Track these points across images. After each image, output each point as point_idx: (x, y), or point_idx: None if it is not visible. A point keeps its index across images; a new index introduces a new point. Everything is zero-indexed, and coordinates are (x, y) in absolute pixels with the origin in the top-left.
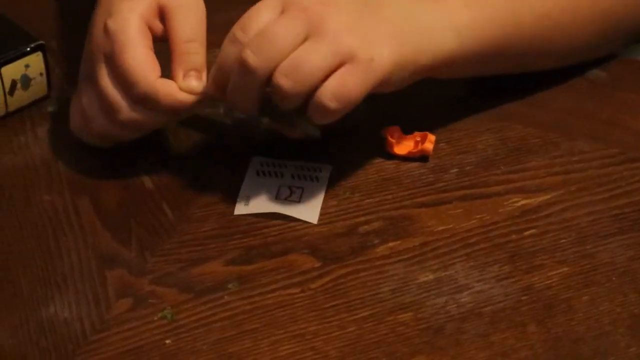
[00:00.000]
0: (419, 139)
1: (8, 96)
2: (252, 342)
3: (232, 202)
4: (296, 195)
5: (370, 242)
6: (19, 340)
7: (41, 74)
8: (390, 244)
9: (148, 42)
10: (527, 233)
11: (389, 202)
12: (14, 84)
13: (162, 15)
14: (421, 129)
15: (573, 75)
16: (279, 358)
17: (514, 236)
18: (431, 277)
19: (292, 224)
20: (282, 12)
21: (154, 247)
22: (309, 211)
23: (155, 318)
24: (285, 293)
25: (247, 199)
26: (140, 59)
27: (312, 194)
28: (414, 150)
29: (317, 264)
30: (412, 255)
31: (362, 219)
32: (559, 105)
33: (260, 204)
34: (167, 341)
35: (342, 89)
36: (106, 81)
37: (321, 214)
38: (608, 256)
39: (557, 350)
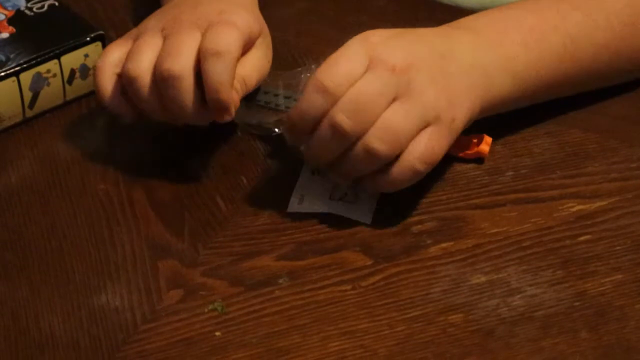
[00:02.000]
0: (475, 140)
1: (67, 85)
2: (301, 338)
3: (286, 198)
4: (351, 196)
5: (422, 242)
6: (71, 326)
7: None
8: (443, 245)
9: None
10: (581, 239)
11: (443, 202)
12: (72, 73)
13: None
14: (477, 130)
15: (633, 82)
16: (328, 354)
17: (568, 241)
18: (483, 279)
19: (345, 221)
20: (368, 67)
21: (206, 239)
22: (364, 212)
23: (206, 310)
24: (336, 290)
25: (302, 197)
26: (237, 41)
27: (366, 195)
28: (469, 152)
29: (368, 262)
30: (465, 256)
31: (416, 218)
32: (619, 111)
33: (314, 203)
34: (217, 333)
35: (430, 151)
36: (187, 39)
37: (375, 213)
38: None
39: (608, 358)
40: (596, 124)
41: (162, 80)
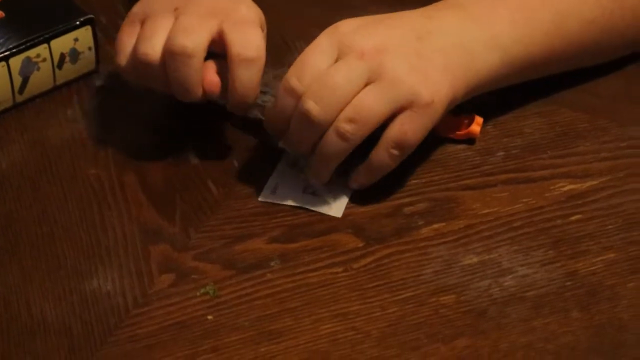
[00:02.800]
0: (466, 120)
1: (57, 69)
2: (293, 320)
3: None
4: (324, 190)
5: (414, 224)
6: (62, 312)
7: (90, 48)
8: (435, 226)
9: None
10: (572, 218)
11: (434, 183)
12: (62, 57)
13: None
14: (468, 111)
15: (623, 61)
16: (319, 337)
17: (559, 221)
18: (475, 260)
19: None
20: (338, 57)
21: (197, 223)
22: (335, 207)
23: (198, 294)
24: (328, 272)
25: (275, 187)
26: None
27: (339, 189)
28: (460, 132)
29: (360, 244)
30: (456, 237)
31: (407, 200)
32: (609, 90)
33: (286, 195)
34: (209, 317)
35: (403, 136)
36: (202, 22)
37: (366, 194)
38: None
39: (600, 337)
40: (586, 103)
41: (171, 55)
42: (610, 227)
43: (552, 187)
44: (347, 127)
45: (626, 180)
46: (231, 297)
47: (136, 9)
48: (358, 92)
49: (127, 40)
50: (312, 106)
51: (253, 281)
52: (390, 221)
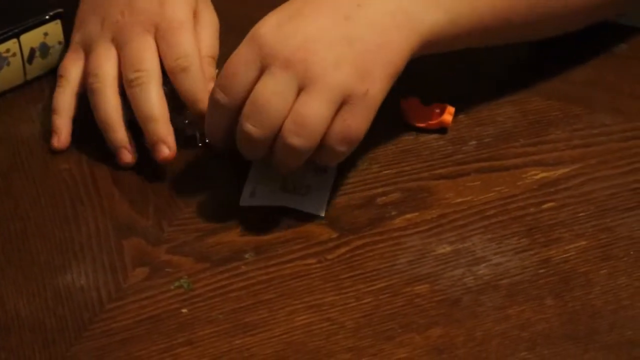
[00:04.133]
0: (438, 110)
1: (27, 64)
2: (268, 312)
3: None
4: (303, 188)
5: (387, 214)
6: (36, 307)
7: (60, 43)
8: (408, 216)
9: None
10: (545, 206)
11: (406, 173)
12: (32, 52)
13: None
14: (440, 100)
15: (595, 48)
16: (294, 328)
17: (532, 209)
18: (448, 249)
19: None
20: (263, 66)
21: (171, 216)
22: (316, 204)
23: (172, 287)
24: (302, 263)
25: (254, 190)
26: (191, 41)
27: (319, 186)
28: (432, 122)
29: (334, 235)
30: (430, 227)
31: (380, 190)
32: (580, 77)
33: (267, 196)
34: (184, 310)
35: (347, 131)
36: (146, 47)
37: (339, 185)
38: (627, 230)
39: (574, 324)
40: (558, 91)
41: (131, 89)
42: (582, 214)
43: (524, 176)
44: (295, 141)
45: (598, 167)
46: (205, 290)
47: (77, 37)
48: (292, 102)
49: (71, 69)
50: (251, 129)
51: (227, 274)
52: (363, 212)
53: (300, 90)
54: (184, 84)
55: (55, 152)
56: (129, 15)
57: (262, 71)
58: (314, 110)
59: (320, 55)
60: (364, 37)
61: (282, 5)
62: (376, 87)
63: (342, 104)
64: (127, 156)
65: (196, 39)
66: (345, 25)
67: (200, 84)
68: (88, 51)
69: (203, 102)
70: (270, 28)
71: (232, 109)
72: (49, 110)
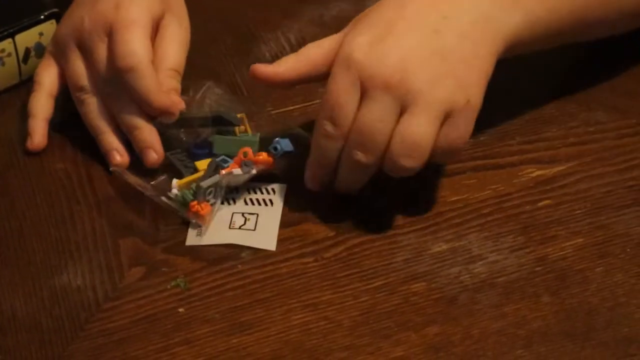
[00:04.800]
0: None
1: (22, 64)
2: (264, 311)
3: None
4: (251, 223)
5: (383, 212)
6: (32, 308)
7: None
8: (404, 214)
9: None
10: (541, 204)
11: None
12: (27, 52)
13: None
14: None
15: (589, 45)
16: (291, 327)
17: (528, 207)
18: (445, 247)
19: (307, 193)
20: (362, 90)
21: (167, 216)
22: (266, 239)
23: (168, 286)
24: (299, 262)
25: (200, 229)
26: (141, 40)
27: (267, 220)
28: None
29: (330, 234)
30: (426, 225)
31: (377, 188)
32: (576, 75)
33: (214, 235)
34: (180, 309)
35: (452, 145)
36: (101, 50)
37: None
38: (623, 227)
39: (570, 321)
40: (554, 88)
41: (109, 99)
42: (578, 212)
43: (520, 173)
44: (406, 162)
45: (593, 165)
46: (202, 289)
47: (49, 46)
48: (396, 123)
49: (45, 75)
50: (361, 157)
51: (224, 273)
52: (359, 210)
53: (402, 110)
54: (132, 84)
55: (50, 152)
56: (88, 20)
57: (362, 94)
58: (422, 130)
59: (417, 74)
60: (456, 48)
61: (367, 23)
62: (476, 95)
63: (446, 117)
64: (116, 158)
65: (148, 42)
66: (436, 39)
67: (149, 83)
68: (60, 57)
69: (155, 101)
70: (363, 51)
71: (341, 140)
72: None
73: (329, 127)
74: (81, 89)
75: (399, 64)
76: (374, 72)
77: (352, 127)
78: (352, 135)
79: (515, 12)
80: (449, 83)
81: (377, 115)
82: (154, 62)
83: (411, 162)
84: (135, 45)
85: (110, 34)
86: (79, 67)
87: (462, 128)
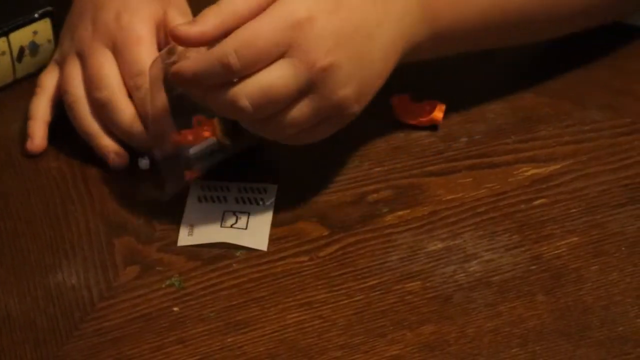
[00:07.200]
0: (428, 107)
1: (16, 63)
2: (259, 310)
3: (244, 168)
4: (242, 222)
5: (378, 211)
6: (27, 307)
7: (49, 41)
8: (399, 213)
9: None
10: (536, 202)
11: (397, 170)
12: (22, 50)
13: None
14: (431, 97)
15: (586, 44)
16: (286, 326)
17: (523, 206)
18: (440, 246)
19: (301, 191)
20: (287, 50)
21: (161, 214)
22: (257, 238)
23: (163, 285)
24: (294, 261)
25: (191, 228)
26: (152, 55)
27: (258, 219)
28: (423, 119)
29: (325, 232)
30: (421, 224)
31: (371, 187)
32: (571, 74)
33: (205, 234)
34: (175, 308)
35: (313, 137)
36: (103, 63)
37: (331, 183)
38: (618, 226)
39: (565, 320)
40: (549, 87)
41: (98, 108)
42: (573, 210)
43: (515, 172)
44: (244, 103)
45: (589, 163)
46: (197, 288)
47: (56, 54)
48: (295, 101)
49: (47, 79)
50: (246, 105)
51: (219, 272)
52: (354, 209)
53: (304, 94)
54: (139, 103)
55: (45, 152)
56: (92, 30)
57: (281, 56)
58: (306, 118)
59: (340, 72)
60: (375, 59)
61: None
62: (361, 108)
63: (327, 118)
64: (115, 159)
65: (155, 54)
66: (366, 42)
67: (157, 104)
68: (61, 65)
69: (162, 121)
70: (309, 13)
71: (233, 74)
72: None
73: (233, 60)
74: (72, 94)
75: (331, 52)
76: (307, 46)
77: (252, 74)
78: (250, 83)
79: (422, 24)
80: (355, 92)
81: (287, 82)
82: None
83: (259, 112)
84: (144, 66)
85: (116, 48)
86: (75, 74)
87: (331, 129)
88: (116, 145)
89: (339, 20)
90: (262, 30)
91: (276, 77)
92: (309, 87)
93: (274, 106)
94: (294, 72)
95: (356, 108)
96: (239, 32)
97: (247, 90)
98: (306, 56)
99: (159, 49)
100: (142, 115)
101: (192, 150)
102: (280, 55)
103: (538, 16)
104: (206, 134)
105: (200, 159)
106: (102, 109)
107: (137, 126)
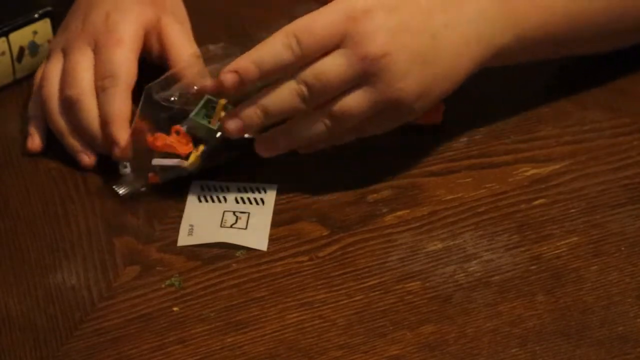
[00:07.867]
0: None
1: (16, 63)
2: (259, 310)
3: (242, 167)
4: (242, 222)
5: (378, 211)
6: (27, 307)
7: (49, 41)
8: (399, 213)
9: (139, 49)
10: (536, 202)
11: (398, 170)
12: (21, 50)
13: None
14: None
15: None
16: (286, 326)
17: (523, 206)
18: (439, 246)
19: (301, 191)
20: (341, 41)
21: (161, 214)
22: (257, 238)
23: (163, 285)
24: (293, 261)
25: (191, 228)
26: (129, 59)
27: (258, 219)
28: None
29: (325, 232)
30: (421, 224)
31: (371, 187)
32: (571, 74)
33: (205, 234)
34: (175, 308)
35: (364, 132)
36: (81, 61)
37: (330, 182)
38: (618, 226)
39: (565, 320)
40: (549, 87)
41: (68, 106)
42: (573, 210)
43: (515, 172)
44: (323, 127)
45: (588, 163)
46: (197, 288)
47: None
48: (349, 91)
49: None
50: (303, 90)
51: (218, 272)
52: (354, 209)
53: (358, 80)
54: (101, 104)
55: (45, 151)
56: (81, 28)
57: (338, 45)
58: (359, 109)
59: (398, 64)
60: (442, 57)
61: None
62: (423, 106)
63: (387, 109)
64: (84, 159)
65: (133, 60)
66: (430, 41)
67: (115, 108)
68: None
69: (114, 126)
70: (366, 5)
71: (294, 62)
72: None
73: (293, 43)
74: (47, 90)
75: (387, 45)
76: (361, 38)
77: (311, 62)
78: (308, 72)
79: (505, 30)
80: (417, 87)
81: (340, 73)
82: (169, 58)
83: (327, 126)
84: (118, 69)
85: (97, 51)
86: (52, 69)
87: (385, 126)
88: (83, 145)
89: (397, 17)
90: (320, 20)
91: (330, 64)
92: (363, 78)
93: (327, 91)
94: (347, 62)
95: (416, 105)
96: (299, 20)
97: (302, 74)
98: (359, 48)
99: (149, 54)
100: (101, 117)
101: (154, 162)
102: (336, 47)
103: (623, 23)
104: (179, 148)
105: (160, 170)
106: (70, 108)
107: (99, 129)
